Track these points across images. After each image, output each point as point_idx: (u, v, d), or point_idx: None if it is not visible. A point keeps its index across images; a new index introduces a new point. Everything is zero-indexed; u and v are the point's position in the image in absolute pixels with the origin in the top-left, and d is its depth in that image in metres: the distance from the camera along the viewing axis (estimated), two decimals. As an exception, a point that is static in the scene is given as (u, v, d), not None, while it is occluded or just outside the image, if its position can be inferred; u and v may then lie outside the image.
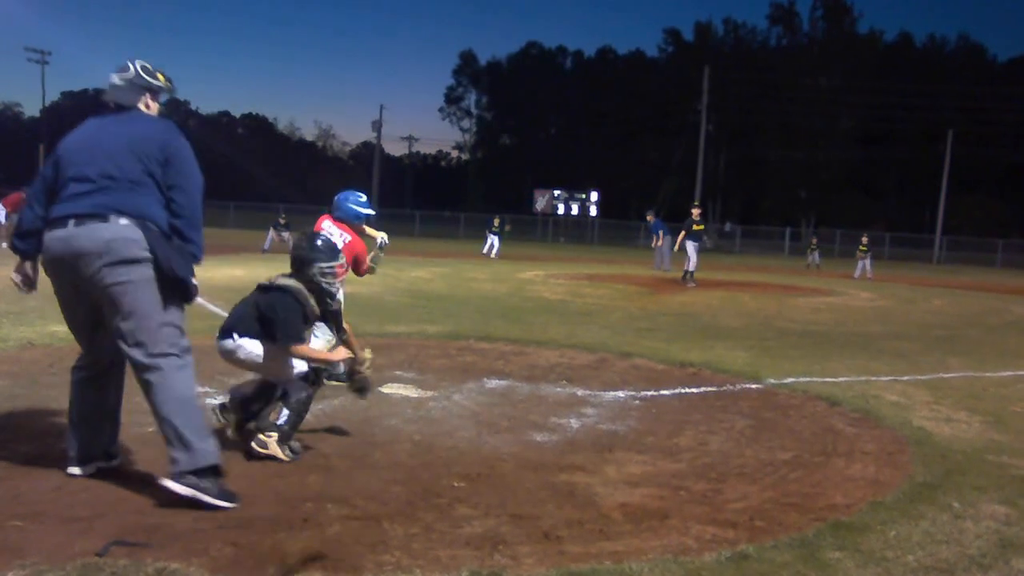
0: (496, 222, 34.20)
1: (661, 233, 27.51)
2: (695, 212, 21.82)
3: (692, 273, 21.02)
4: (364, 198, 7.21)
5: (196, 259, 4.31)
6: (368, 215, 7.16)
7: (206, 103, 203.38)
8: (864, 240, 30.21)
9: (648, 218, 29.77)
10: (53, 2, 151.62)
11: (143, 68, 4.44)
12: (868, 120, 72.77)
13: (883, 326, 13.94)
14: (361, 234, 7.15)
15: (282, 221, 36.75)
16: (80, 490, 4.20)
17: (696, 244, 21.26)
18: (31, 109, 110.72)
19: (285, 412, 4.96)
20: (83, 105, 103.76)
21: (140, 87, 4.43)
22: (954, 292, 24.50)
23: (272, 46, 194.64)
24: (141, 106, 4.44)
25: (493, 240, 33.48)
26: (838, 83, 72.05)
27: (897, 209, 76.19)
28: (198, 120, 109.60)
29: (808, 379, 8.20)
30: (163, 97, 4.56)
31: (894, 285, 26.15)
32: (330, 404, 6.32)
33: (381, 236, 7.69)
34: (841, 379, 8.32)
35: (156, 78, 4.47)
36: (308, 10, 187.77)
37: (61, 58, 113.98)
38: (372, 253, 7.23)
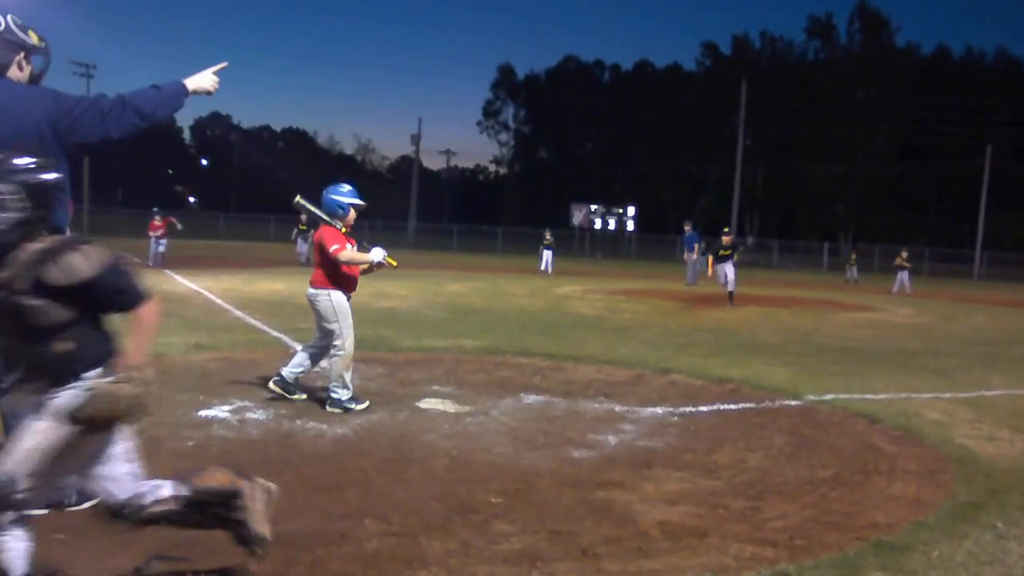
0: (548, 236, 33.33)
1: (697, 247, 27.34)
2: (725, 239, 20.48)
3: (731, 293, 19.71)
4: (346, 188, 6.88)
5: (156, 109, 3.86)
6: (350, 203, 6.77)
7: (247, 117, 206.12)
8: (903, 253, 29.69)
9: (685, 229, 29.45)
10: (98, 17, 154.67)
11: (15, 22, 3.75)
12: (906, 134, 72.09)
13: (923, 343, 13.74)
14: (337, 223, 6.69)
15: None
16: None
17: (723, 265, 19.85)
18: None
19: None
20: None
21: (14, 44, 3.74)
22: (995, 308, 24.09)
23: (312, 60, 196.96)
24: (14, 69, 3.77)
25: (548, 256, 32.42)
26: (876, 97, 71.45)
27: (936, 224, 75.24)
28: (239, 134, 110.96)
29: (848, 396, 8.12)
30: (38, 60, 3.90)
31: (934, 301, 25.78)
32: (368, 419, 6.36)
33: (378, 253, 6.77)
34: (881, 396, 8.23)
35: (28, 35, 3.81)
36: (348, 25, 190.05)
37: (106, 71, 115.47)
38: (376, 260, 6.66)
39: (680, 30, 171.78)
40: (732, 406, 7.51)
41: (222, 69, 4.17)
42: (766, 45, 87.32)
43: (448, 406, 6.94)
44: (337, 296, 6.57)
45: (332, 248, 6.49)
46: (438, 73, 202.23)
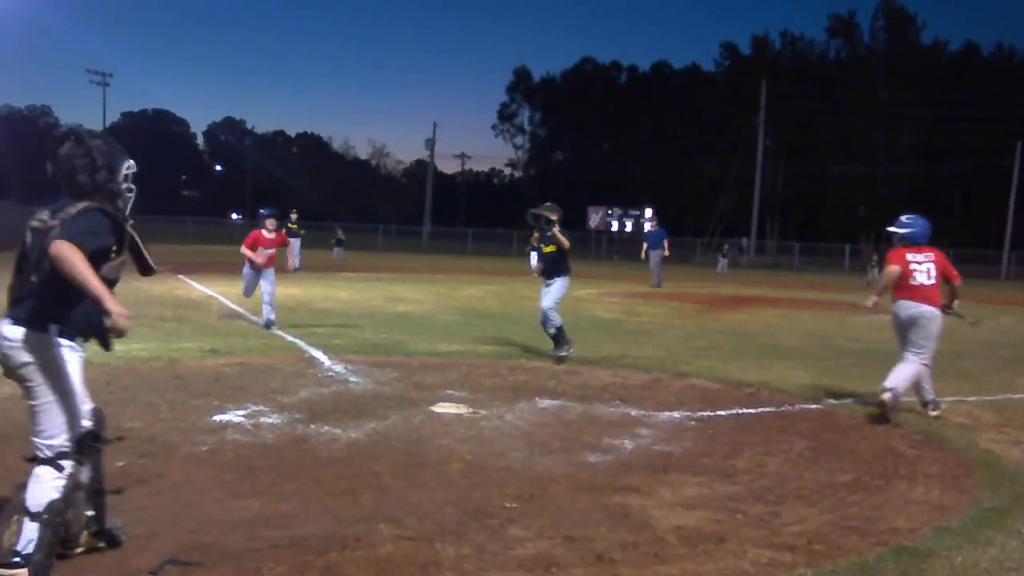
0: (535, 236, 32.49)
1: (667, 243, 27.08)
2: (552, 217, 10.82)
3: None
4: (908, 219, 7.77)
5: None
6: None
7: (262, 123, 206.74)
8: None
9: (650, 225, 28.65)
10: (114, 26, 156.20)
11: None
12: (931, 133, 71.26)
13: (946, 345, 13.43)
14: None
15: (340, 235, 37.12)
16: (136, 508, 4.25)
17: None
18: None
19: None
20: (142, 125, 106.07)
21: None
22: (1022, 310, 23.81)
23: (326, 65, 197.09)
24: None
25: (534, 256, 31.71)
26: (900, 95, 70.72)
27: (962, 225, 74.43)
28: (254, 139, 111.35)
29: (868, 399, 8.02)
30: None
31: (959, 302, 25.46)
32: (382, 423, 6.33)
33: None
34: (903, 400, 8.12)
35: None
36: (361, 29, 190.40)
37: (121, 80, 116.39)
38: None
39: (698, 31, 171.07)
40: (751, 410, 7.43)
41: None
42: (786, 45, 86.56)
43: (463, 410, 6.90)
44: (943, 321, 7.61)
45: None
46: (453, 76, 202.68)
